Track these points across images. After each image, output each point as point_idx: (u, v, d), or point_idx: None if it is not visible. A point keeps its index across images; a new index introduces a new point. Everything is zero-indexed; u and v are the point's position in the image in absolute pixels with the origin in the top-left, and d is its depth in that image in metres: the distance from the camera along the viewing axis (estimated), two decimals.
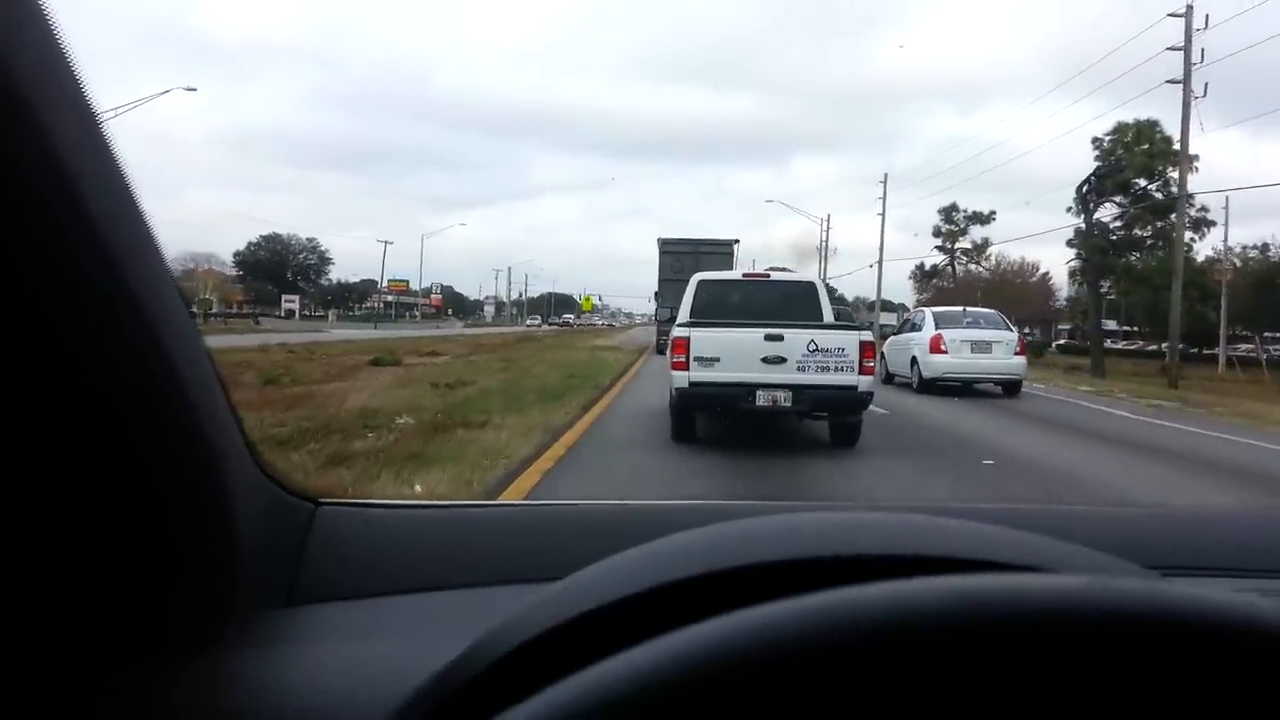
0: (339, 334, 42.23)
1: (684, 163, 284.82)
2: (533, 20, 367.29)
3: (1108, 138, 34.97)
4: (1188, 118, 26.04)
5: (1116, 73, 40.19)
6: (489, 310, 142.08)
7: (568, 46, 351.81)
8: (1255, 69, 36.14)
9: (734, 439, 8.81)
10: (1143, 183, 34.37)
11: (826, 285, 13.09)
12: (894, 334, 19.26)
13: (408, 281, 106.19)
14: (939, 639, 0.35)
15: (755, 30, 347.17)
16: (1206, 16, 25.99)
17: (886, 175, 54.45)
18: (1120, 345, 57.86)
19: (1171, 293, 26.92)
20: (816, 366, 8.17)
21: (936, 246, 61.12)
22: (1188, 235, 29.83)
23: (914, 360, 16.59)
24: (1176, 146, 28.91)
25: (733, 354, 8.23)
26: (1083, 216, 36.04)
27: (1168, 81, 26.52)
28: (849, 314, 19.08)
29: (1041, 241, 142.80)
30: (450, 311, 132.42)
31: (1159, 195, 33.55)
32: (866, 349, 8.28)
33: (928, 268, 63.09)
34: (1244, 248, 53.58)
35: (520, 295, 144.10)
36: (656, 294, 26.29)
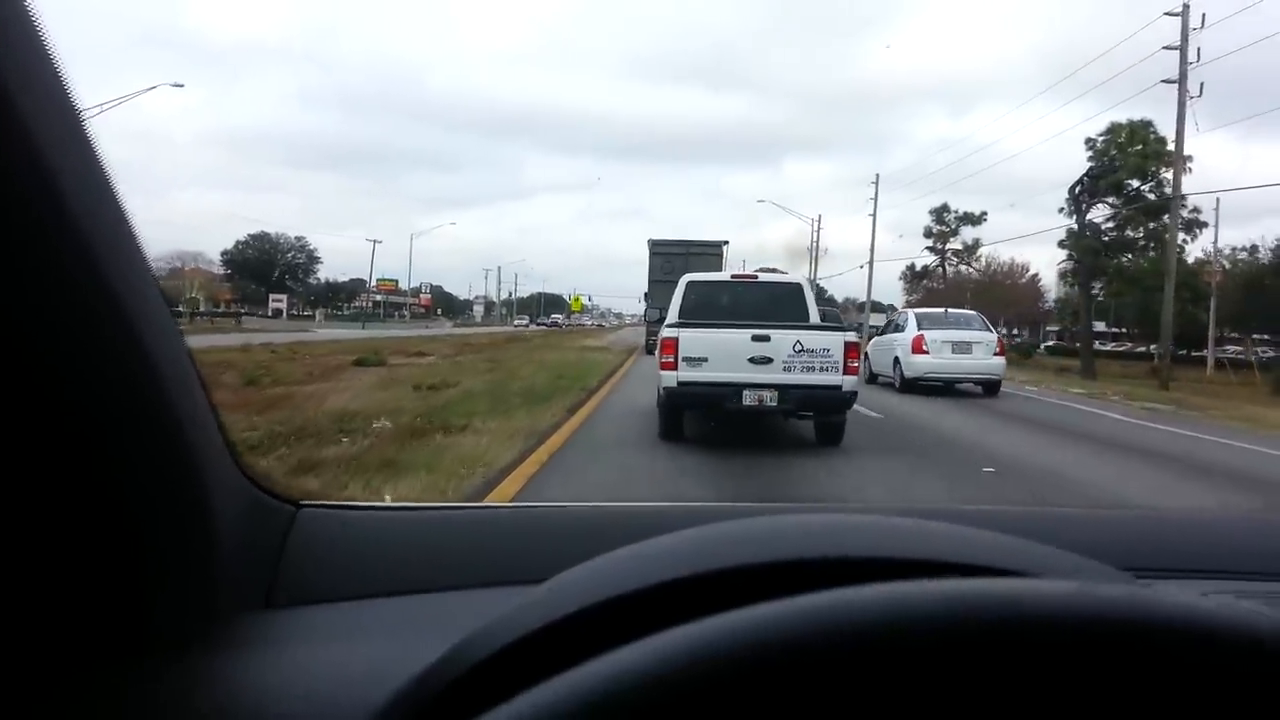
0: (325, 334, 41.82)
1: (676, 163, 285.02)
2: (526, 20, 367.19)
3: (1101, 138, 34.83)
4: (1183, 118, 25.92)
5: (1108, 74, 39.98)
6: (478, 310, 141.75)
7: (561, 47, 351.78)
8: (1243, 71, 36.17)
9: (722, 439, 8.82)
10: (1136, 184, 34.24)
11: (816, 286, 13.17)
12: (878, 334, 19.59)
13: (396, 281, 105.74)
14: (923, 644, 0.35)
15: (748, 32, 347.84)
16: (1204, 15, 25.89)
17: (878, 176, 54.42)
18: (1109, 347, 57.79)
19: (1164, 294, 26.78)
20: (802, 367, 8.32)
21: (927, 247, 61.05)
22: (1180, 236, 29.68)
23: (897, 360, 16.89)
24: (1169, 147, 28.82)
25: (720, 354, 8.37)
26: (1075, 217, 35.91)
27: (1163, 81, 26.37)
28: (836, 315, 19.84)
29: (1031, 243, 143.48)
30: (439, 311, 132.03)
31: (1152, 196, 33.42)
32: (851, 349, 8.45)
33: (918, 268, 62.99)
34: (1233, 249, 53.74)
35: (510, 295, 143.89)
36: (646, 294, 26.28)
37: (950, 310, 19.30)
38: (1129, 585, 0.47)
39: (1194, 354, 47.03)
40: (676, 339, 8.46)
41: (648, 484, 6.66)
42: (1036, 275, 66.94)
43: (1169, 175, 30.83)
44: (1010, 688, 0.35)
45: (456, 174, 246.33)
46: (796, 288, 10.66)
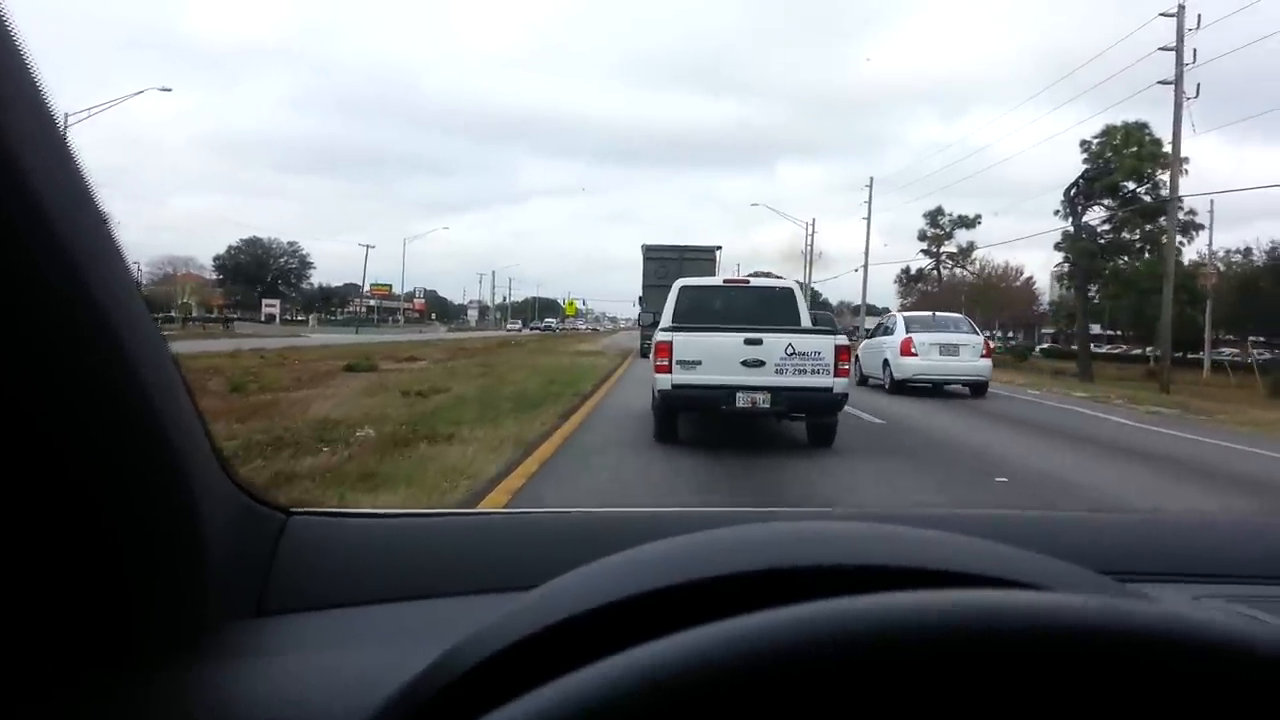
0: (318, 339, 41.34)
1: (671, 167, 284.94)
2: (521, 25, 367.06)
3: (1096, 140, 34.68)
4: (1180, 119, 25.73)
5: (1102, 77, 39.98)
6: (473, 315, 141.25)
7: (555, 52, 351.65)
8: (1235, 75, 36.03)
9: (718, 444, 8.82)
10: (1131, 186, 34.06)
11: (811, 290, 13.37)
12: (868, 337, 19.99)
13: (390, 286, 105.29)
14: (917, 654, 0.36)
15: (742, 36, 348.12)
16: (1199, 16, 25.70)
17: (872, 180, 54.26)
18: (1104, 349, 57.62)
19: (1163, 296, 26.58)
20: (794, 369, 8.50)
21: (922, 250, 60.83)
22: (1176, 239, 29.47)
23: (886, 363, 17.24)
24: (1166, 149, 28.65)
25: (713, 357, 8.53)
26: (1070, 220, 35.74)
27: (1159, 82, 26.19)
28: (830, 319, 20.54)
29: (1025, 246, 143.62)
30: (434, 316, 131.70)
31: (1147, 198, 33.24)
32: (841, 352, 8.64)
33: (913, 272, 62.81)
34: (1227, 252, 53.72)
35: (505, 300, 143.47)
36: (641, 299, 26.46)
37: (938, 314, 19.70)
38: (1107, 595, 0.47)
39: (1189, 356, 46.92)
40: (670, 343, 8.60)
41: (643, 499, 6.45)
42: (1031, 278, 66.93)
43: (1164, 177, 30.68)
44: (992, 701, 0.35)
45: (450, 178, 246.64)
46: (788, 292, 10.82)
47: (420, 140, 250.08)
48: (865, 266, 53.71)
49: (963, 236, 59.51)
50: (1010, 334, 73.70)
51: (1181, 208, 29.53)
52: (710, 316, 9.71)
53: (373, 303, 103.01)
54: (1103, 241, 35.50)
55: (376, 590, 0.84)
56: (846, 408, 9.04)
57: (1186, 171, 27.92)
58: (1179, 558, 1.01)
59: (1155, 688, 0.35)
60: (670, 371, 8.52)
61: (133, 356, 0.58)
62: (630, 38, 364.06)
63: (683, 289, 10.46)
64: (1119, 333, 63.33)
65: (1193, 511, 5.99)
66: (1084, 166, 35.11)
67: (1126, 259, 35.18)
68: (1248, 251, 52.61)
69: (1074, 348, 46.79)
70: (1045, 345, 66.95)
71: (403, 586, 0.85)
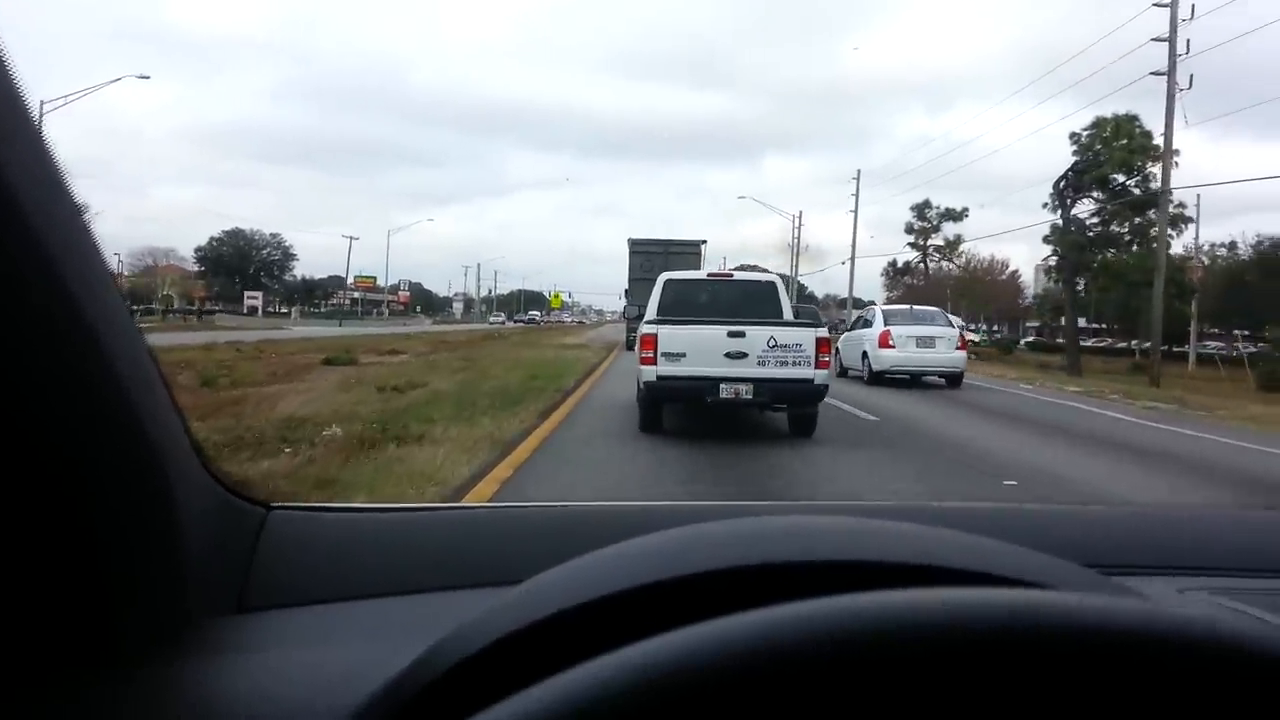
0: (300, 331, 40.73)
1: (657, 160, 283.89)
2: (507, 17, 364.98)
3: (1086, 133, 34.36)
4: (1172, 110, 25.44)
5: (1089, 71, 39.70)
6: (458, 307, 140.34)
7: (542, 43, 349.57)
8: (1218, 69, 35.81)
9: (709, 437, 8.70)
10: (1121, 178, 33.78)
11: (798, 283, 13.43)
12: (848, 330, 20.56)
13: (375, 278, 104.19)
14: (909, 654, 0.36)
15: (729, 29, 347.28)
16: (1193, 6, 25.38)
17: (859, 171, 53.89)
18: (1090, 343, 57.53)
19: (1153, 289, 26.35)
20: (776, 361, 8.68)
21: (909, 243, 60.64)
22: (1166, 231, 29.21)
23: (865, 354, 17.74)
24: (1156, 141, 28.40)
25: (698, 349, 8.69)
26: (1059, 212, 35.46)
27: (1152, 73, 25.94)
28: (815, 312, 21.15)
29: (1010, 239, 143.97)
30: (419, 309, 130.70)
31: (1137, 191, 32.98)
32: (822, 345, 8.83)
33: (900, 265, 62.62)
34: (1212, 245, 53.79)
35: (490, 292, 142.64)
36: (627, 292, 26.46)
37: (915, 307, 20.24)
38: (1091, 591, 0.48)
39: (1175, 350, 46.90)
40: (656, 335, 8.73)
41: (630, 498, 6.08)
42: (1016, 272, 66.88)
43: (1154, 170, 30.45)
44: (978, 701, 0.35)
45: (436, 170, 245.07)
46: (771, 286, 10.95)
47: (405, 132, 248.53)
48: (852, 259, 53.41)
49: (950, 230, 59.38)
50: (995, 327, 73.73)
51: (1171, 201, 29.30)
52: (695, 310, 9.85)
53: (357, 295, 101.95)
54: (1091, 234, 35.24)
55: (359, 585, 0.83)
56: (839, 404, 8.84)
57: (1177, 164, 27.66)
58: (1165, 550, 1.01)
59: (1137, 685, 0.35)
60: (655, 363, 8.66)
61: (109, 350, 0.57)
62: (617, 30, 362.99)
63: (668, 282, 10.55)
64: (1103, 326, 63.34)
65: (1179, 504, 5.91)
66: (1073, 159, 34.83)
67: (1115, 252, 34.90)
68: (1233, 245, 52.77)
69: (1059, 341, 46.62)
70: (1030, 338, 66.99)
71: (386, 582, 0.84)
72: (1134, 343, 50.88)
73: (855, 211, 53.35)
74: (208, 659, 0.68)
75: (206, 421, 8.35)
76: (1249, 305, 42.52)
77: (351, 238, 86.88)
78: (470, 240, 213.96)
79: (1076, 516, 1.23)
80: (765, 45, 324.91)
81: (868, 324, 18.60)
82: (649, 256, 26.65)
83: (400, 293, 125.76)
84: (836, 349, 17.45)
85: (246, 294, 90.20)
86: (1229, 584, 0.87)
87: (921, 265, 62.23)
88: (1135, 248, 33.73)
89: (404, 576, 0.85)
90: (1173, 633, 0.36)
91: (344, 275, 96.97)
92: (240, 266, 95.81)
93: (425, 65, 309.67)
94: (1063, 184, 35.16)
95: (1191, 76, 25.34)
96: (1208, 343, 52.38)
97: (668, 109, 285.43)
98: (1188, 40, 25.30)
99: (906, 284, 61.11)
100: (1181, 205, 33.50)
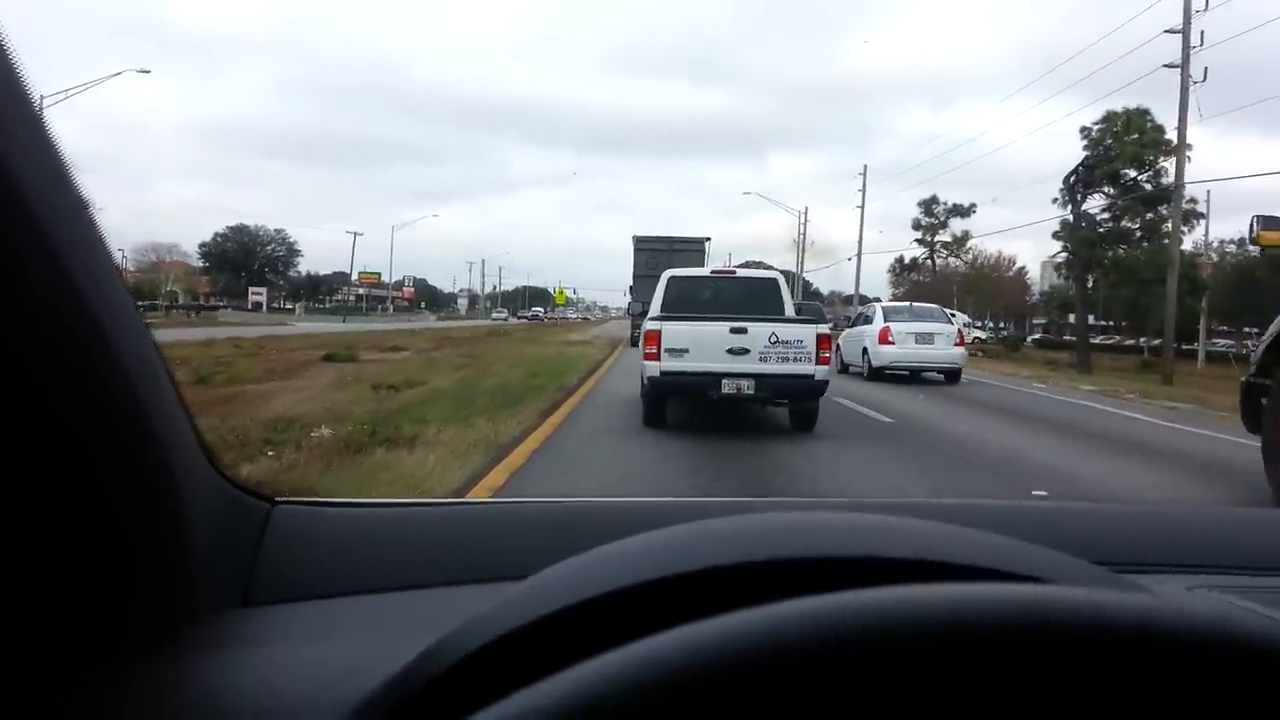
0: (303, 327, 40.43)
1: (661, 156, 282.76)
2: (510, 13, 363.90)
3: (1097, 127, 33.80)
4: (1185, 103, 25.00)
5: (1099, 64, 39.16)
6: (463, 303, 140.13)
7: (545, 40, 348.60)
8: (1226, 63, 35.26)
9: (712, 431, 8.72)
10: (1133, 173, 33.29)
11: (805, 279, 13.53)
12: (849, 327, 20.82)
13: (379, 274, 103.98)
14: (919, 649, 0.36)
15: (732, 24, 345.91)
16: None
17: (865, 167, 53.53)
18: (1098, 340, 57.04)
19: (1167, 286, 25.93)
20: (777, 357, 8.81)
21: (916, 240, 60.14)
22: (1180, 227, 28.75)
23: (865, 351, 17.93)
24: (1169, 135, 27.95)
25: (700, 345, 8.83)
26: (1070, 208, 34.98)
27: (1165, 65, 25.47)
28: (819, 309, 21.22)
29: (1017, 236, 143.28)
30: (423, 305, 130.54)
31: (1149, 186, 32.49)
32: (823, 341, 8.97)
33: (906, 261, 62.15)
34: (1220, 242, 53.28)
35: (495, 288, 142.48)
36: (631, 288, 26.52)
37: (914, 304, 20.68)
38: (1100, 587, 0.48)
39: (1184, 347, 46.42)
40: (659, 331, 8.88)
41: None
42: (1024, 268, 66.41)
43: (1166, 165, 29.98)
44: (985, 697, 0.35)
45: (439, 167, 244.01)
46: (773, 283, 11.04)
47: (408, 128, 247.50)
48: (859, 256, 53.03)
49: (957, 226, 58.84)
50: (1002, 324, 73.23)
51: (1183, 196, 28.85)
52: (698, 306, 9.99)
53: (361, 291, 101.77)
54: (1102, 230, 34.74)
55: (364, 580, 0.83)
56: (850, 404, 8.56)
57: (1190, 159, 27.20)
58: (1176, 548, 1.00)
59: (1150, 681, 0.35)
60: (659, 359, 8.81)
61: (115, 344, 0.57)
62: (620, 26, 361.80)
63: (671, 279, 10.64)
64: (1111, 323, 62.77)
65: (1191, 502, 5.83)
66: (1084, 154, 34.32)
67: (1126, 248, 34.40)
68: (1241, 242, 52.18)
69: (1066, 338, 46.10)
70: (1037, 335, 66.45)
71: (390, 577, 0.84)
72: (1142, 340, 50.38)
73: (862, 207, 53.00)
74: (212, 653, 0.67)
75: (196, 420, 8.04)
76: (1258, 301, 42.03)
77: (356, 234, 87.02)
78: (475, 236, 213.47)
79: (1088, 514, 1.22)
80: (766, 42, 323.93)
81: (868, 320, 18.87)
82: (653, 254, 26.82)
83: (405, 289, 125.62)
84: (837, 345, 17.80)
85: (251, 290, 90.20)
86: (1242, 582, 0.86)
87: (928, 262, 61.73)
88: (1146, 244, 33.26)
89: (408, 571, 0.85)
90: (1184, 628, 0.36)
91: (349, 271, 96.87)
92: (245, 262, 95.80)
93: (427, 62, 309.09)
94: (1073, 179, 34.65)
95: (1206, 69, 24.94)
96: (1216, 340, 51.90)
97: (670, 105, 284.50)
98: (1201, 32, 24.89)
99: (913, 280, 60.68)
100: (1193, 201, 33.09)
